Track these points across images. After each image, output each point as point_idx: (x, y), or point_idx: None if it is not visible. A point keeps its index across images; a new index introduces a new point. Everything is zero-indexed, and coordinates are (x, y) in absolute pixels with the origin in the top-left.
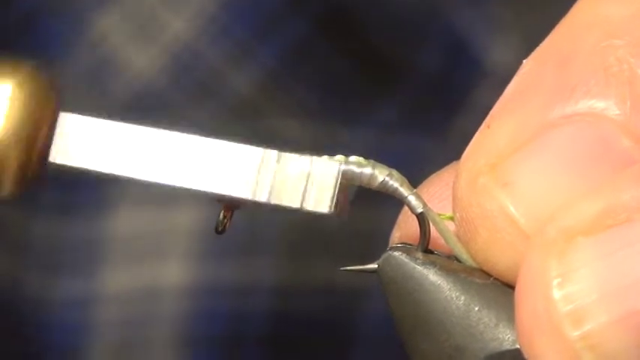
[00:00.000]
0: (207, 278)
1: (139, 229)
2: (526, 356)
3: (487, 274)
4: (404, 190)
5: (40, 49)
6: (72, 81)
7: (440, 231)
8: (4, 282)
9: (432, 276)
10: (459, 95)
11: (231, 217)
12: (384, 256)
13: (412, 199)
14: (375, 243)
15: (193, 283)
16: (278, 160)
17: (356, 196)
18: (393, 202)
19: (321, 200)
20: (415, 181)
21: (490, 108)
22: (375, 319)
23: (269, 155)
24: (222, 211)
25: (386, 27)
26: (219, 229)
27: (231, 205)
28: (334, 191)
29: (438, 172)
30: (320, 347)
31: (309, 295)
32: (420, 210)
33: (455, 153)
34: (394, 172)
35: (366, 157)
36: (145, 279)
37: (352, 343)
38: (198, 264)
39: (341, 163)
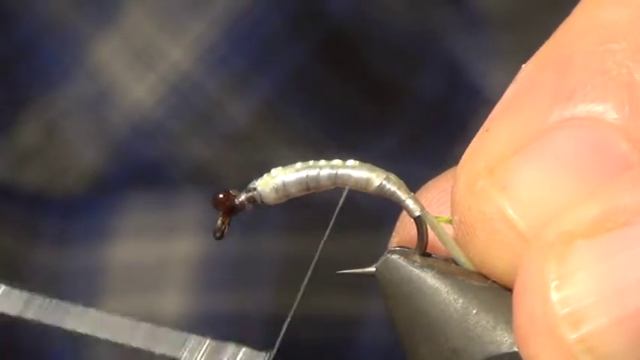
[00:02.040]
0: (204, 308)
1: (138, 259)
2: (524, 359)
3: (485, 277)
4: (401, 194)
5: (38, 75)
6: (70, 109)
7: (438, 234)
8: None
9: (429, 279)
10: (458, 122)
11: (229, 224)
12: (382, 259)
13: (410, 202)
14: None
15: (191, 313)
16: None
17: (352, 225)
18: (390, 230)
19: None
20: None
21: None
22: (372, 347)
23: None
24: (221, 217)
25: (385, 54)
26: (218, 234)
27: (229, 210)
28: None
29: (436, 179)
30: None
31: (306, 324)
32: (417, 213)
33: None
34: (392, 175)
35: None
36: (142, 308)
37: None
38: (196, 294)
39: None
